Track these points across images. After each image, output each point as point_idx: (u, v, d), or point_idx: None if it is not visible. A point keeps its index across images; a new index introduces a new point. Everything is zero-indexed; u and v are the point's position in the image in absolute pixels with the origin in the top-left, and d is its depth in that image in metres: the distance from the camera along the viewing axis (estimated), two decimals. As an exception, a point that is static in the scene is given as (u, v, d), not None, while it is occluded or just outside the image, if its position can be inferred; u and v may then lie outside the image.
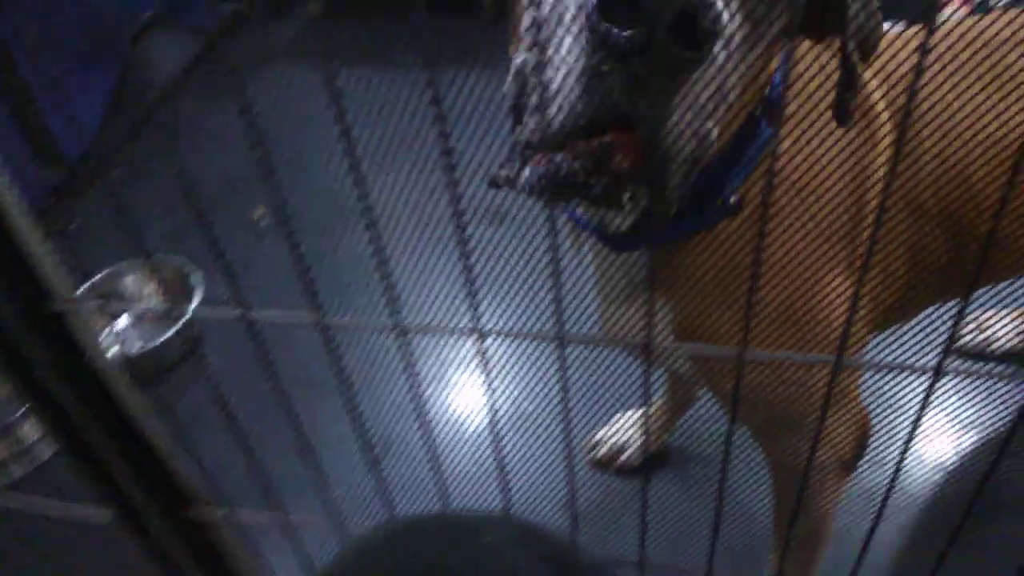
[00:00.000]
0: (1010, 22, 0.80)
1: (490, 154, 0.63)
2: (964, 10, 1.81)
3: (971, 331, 1.34)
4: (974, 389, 1.16)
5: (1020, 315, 1.32)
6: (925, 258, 0.79)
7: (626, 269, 0.75)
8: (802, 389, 0.78)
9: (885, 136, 0.75)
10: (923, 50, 0.32)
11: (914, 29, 0.81)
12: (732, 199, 0.67)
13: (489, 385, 1.44)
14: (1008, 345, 1.32)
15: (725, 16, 0.48)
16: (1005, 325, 1.33)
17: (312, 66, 2.25)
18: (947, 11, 1.81)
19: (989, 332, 1.33)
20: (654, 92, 0.48)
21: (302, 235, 1.75)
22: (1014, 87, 0.76)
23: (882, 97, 0.76)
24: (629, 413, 1.32)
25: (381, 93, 1.91)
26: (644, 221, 0.68)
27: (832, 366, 0.36)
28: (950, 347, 0.38)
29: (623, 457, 1.30)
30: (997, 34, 0.78)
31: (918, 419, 0.42)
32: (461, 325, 0.45)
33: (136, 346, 1.60)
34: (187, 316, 1.56)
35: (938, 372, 0.37)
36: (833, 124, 0.70)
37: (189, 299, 1.58)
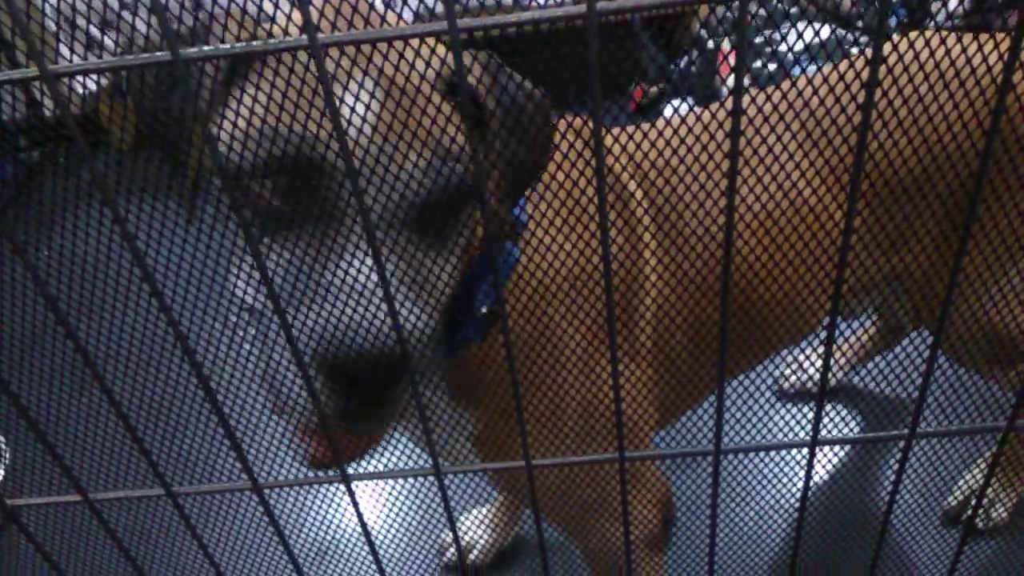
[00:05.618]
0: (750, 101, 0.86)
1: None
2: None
3: (793, 371, 1.47)
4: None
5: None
6: (706, 335, 0.84)
7: None
8: (597, 480, 0.80)
9: (645, 222, 0.80)
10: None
11: (658, 123, 0.87)
12: (483, 310, 0.71)
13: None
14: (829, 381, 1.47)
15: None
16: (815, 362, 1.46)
17: (128, 201, 2.13)
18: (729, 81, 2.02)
19: (809, 369, 1.45)
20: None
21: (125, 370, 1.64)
22: (756, 159, 0.83)
23: (637, 187, 0.81)
24: (474, 512, 1.32)
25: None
26: None
27: (619, 462, 0.42)
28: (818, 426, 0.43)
29: (472, 557, 1.29)
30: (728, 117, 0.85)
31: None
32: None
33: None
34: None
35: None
36: (593, 221, 0.74)
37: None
